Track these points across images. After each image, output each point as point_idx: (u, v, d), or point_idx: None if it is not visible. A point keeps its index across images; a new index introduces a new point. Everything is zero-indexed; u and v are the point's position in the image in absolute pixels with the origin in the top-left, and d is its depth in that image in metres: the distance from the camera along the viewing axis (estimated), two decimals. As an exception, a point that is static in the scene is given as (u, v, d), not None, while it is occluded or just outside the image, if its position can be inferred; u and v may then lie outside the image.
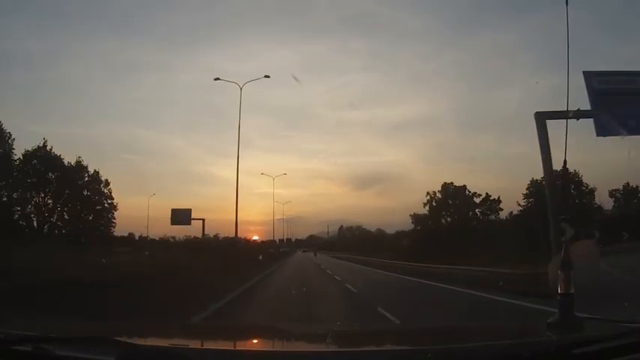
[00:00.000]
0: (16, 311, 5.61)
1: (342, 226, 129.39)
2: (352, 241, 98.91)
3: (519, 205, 50.15)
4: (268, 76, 33.59)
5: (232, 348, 2.27)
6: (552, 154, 15.11)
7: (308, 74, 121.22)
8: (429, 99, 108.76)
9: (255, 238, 70.08)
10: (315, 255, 77.64)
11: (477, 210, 58.52)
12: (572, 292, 2.41)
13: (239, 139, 29.02)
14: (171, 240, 65.15)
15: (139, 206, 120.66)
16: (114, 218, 54.71)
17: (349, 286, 18.64)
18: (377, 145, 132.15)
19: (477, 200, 58.17)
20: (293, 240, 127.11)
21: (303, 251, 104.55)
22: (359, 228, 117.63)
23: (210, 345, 2.37)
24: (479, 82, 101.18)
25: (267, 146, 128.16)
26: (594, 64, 67.76)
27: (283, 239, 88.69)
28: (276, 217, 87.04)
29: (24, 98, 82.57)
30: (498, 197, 56.71)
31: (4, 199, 45.71)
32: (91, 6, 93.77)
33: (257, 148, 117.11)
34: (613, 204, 53.38)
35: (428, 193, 58.80)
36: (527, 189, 49.29)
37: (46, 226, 50.24)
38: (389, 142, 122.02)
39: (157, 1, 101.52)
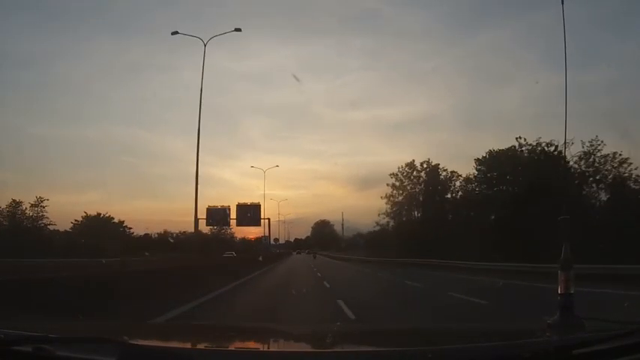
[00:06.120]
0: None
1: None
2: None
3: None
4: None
5: (232, 348, 2.27)
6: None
7: (308, 74, 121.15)
8: (429, 98, 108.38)
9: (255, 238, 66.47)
10: (315, 257, 67.30)
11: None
12: (572, 292, 2.41)
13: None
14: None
15: (137, 209, 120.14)
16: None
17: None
18: (378, 144, 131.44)
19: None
20: (292, 240, 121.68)
21: (298, 252, 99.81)
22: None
23: (210, 345, 2.37)
24: (479, 81, 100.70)
25: (268, 147, 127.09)
26: (593, 62, 67.50)
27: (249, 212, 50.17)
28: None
29: (24, 99, 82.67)
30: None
31: None
32: (91, 6, 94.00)
33: (257, 149, 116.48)
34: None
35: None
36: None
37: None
38: (390, 141, 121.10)
39: (157, 1, 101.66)
